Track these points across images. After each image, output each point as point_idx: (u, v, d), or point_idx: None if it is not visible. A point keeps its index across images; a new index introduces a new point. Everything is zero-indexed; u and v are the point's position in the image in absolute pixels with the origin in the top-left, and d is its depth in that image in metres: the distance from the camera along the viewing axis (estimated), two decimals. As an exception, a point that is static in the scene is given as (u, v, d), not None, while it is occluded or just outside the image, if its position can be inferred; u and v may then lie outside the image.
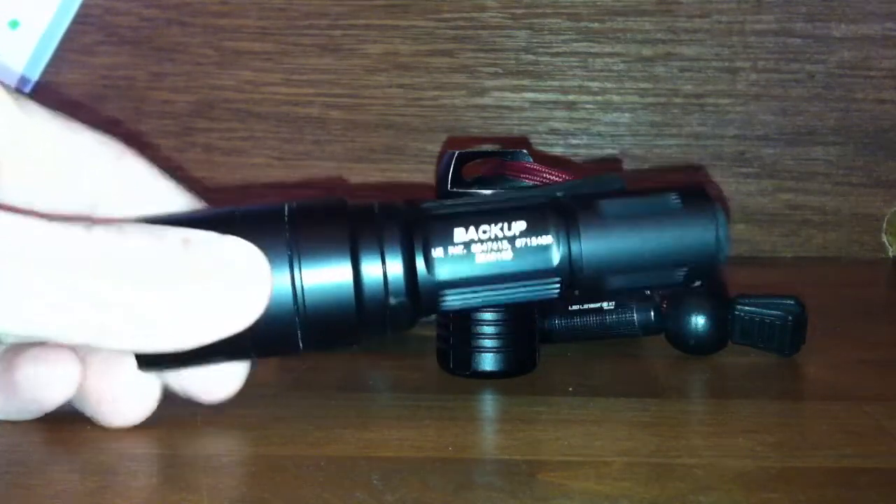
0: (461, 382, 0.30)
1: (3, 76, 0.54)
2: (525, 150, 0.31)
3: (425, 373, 0.31)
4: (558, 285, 0.26)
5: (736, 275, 0.37)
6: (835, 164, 0.56)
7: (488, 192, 0.29)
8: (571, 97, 0.57)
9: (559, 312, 0.33)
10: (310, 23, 0.57)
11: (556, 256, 0.26)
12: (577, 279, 0.26)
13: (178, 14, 0.57)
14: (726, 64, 0.56)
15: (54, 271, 0.22)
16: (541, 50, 0.56)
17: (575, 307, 0.33)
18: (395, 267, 0.25)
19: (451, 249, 0.25)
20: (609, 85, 0.56)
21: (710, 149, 0.56)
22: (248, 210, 0.25)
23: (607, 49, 0.56)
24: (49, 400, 0.25)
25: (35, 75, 0.56)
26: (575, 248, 0.26)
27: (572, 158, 0.56)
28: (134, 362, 0.25)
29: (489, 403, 0.29)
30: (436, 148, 0.57)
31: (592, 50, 0.56)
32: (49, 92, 0.56)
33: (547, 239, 0.26)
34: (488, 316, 0.29)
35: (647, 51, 0.56)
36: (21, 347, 0.25)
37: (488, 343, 0.29)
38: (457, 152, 0.30)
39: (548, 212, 0.26)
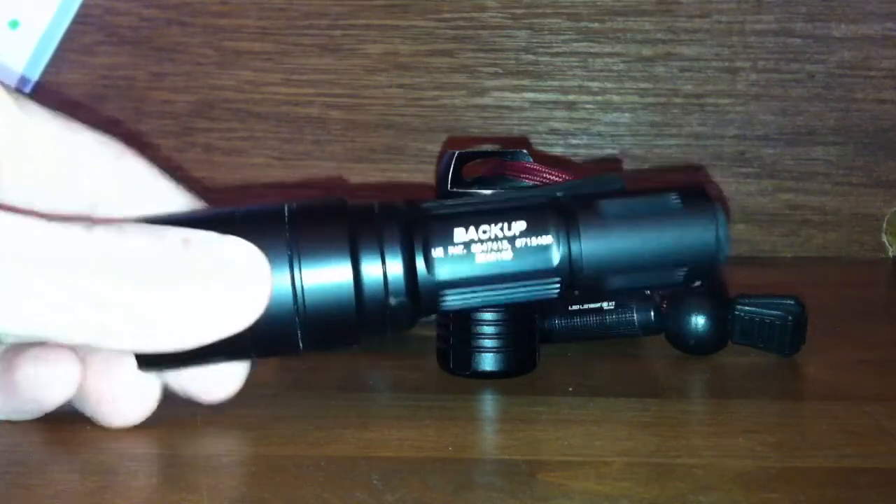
0: (461, 382, 0.30)
1: (3, 76, 0.54)
2: (525, 150, 0.31)
3: (425, 373, 0.31)
4: (558, 285, 0.26)
5: (736, 275, 0.37)
6: (835, 164, 0.56)
7: (488, 192, 0.29)
8: (571, 97, 0.57)
9: (559, 312, 0.33)
10: (310, 23, 0.57)
11: (556, 256, 0.26)
12: (577, 279, 0.26)
13: (178, 14, 0.57)
14: (726, 64, 0.56)
15: (54, 271, 0.22)
16: (541, 50, 0.56)
17: (575, 307, 0.33)
18: (395, 267, 0.25)
19: (451, 249, 0.25)
20: (609, 85, 0.56)
21: (710, 149, 0.56)
22: (247, 210, 0.25)
23: (607, 49, 0.56)
24: (49, 400, 0.25)
25: (35, 75, 0.56)
26: (575, 248, 0.26)
27: (572, 158, 0.56)
28: (134, 362, 0.25)
29: (489, 403, 0.29)
30: (436, 148, 0.57)
31: (592, 50, 0.56)
32: (49, 92, 0.56)
33: (547, 239, 0.26)
34: (488, 316, 0.29)
35: (647, 51, 0.56)
36: (21, 347, 0.25)
37: (488, 343, 0.29)
38: (457, 152, 0.30)
39: (548, 212, 0.26)
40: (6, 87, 0.24)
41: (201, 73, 0.57)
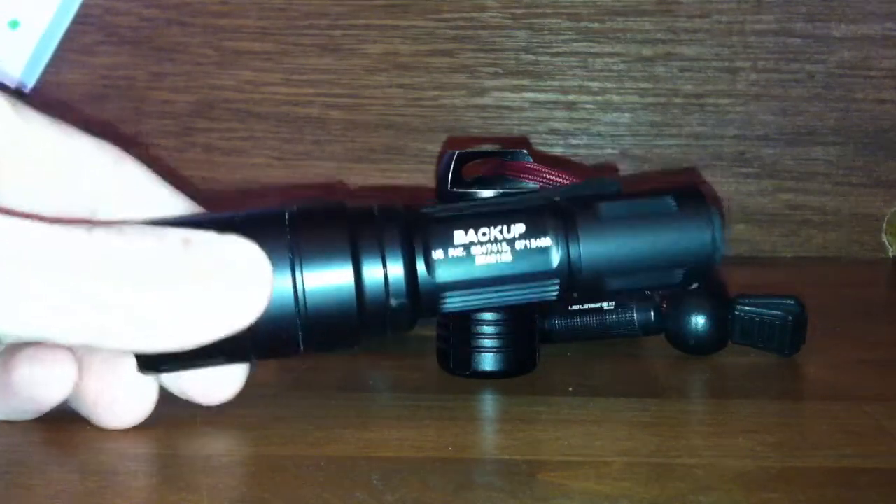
0: (461, 382, 0.30)
1: (2, 77, 0.54)
2: (525, 150, 0.31)
3: (425, 373, 0.31)
4: (557, 287, 0.26)
5: (736, 275, 0.37)
6: (835, 164, 0.56)
7: (488, 192, 0.29)
8: (571, 97, 0.57)
9: (559, 312, 0.33)
10: (310, 23, 0.57)
11: (555, 258, 0.26)
12: (575, 281, 0.26)
13: (178, 14, 0.57)
14: (726, 64, 0.56)
15: (55, 272, 0.22)
16: (541, 50, 0.56)
17: (575, 307, 0.33)
18: (396, 269, 0.25)
19: (450, 252, 0.25)
20: (609, 85, 0.56)
21: (710, 149, 0.56)
22: (248, 214, 0.25)
23: (607, 49, 0.56)
24: (46, 400, 0.25)
25: (35, 75, 0.56)
26: (574, 250, 0.26)
27: (572, 158, 0.56)
28: (133, 365, 0.25)
29: (489, 403, 0.29)
30: (436, 148, 0.57)
31: (592, 50, 0.56)
32: (49, 92, 0.56)
33: (546, 241, 0.26)
34: (488, 316, 0.29)
35: (647, 51, 0.56)
36: (17, 348, 0.25)
37: (488, 343, 0.29)
38: (457, 152, 0.30)
39: (546, 214, 0.26)
40: (3, 92, 0.24)
41: (201, 73, 0.57)
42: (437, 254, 0.25)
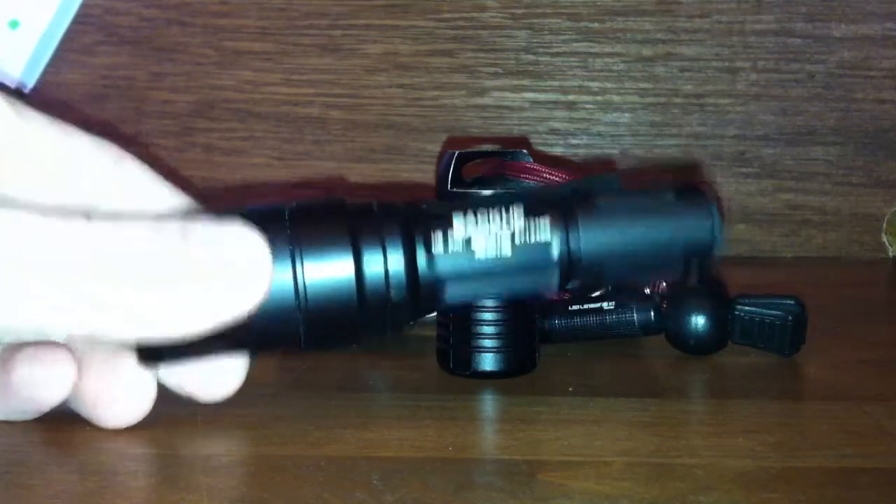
0: (461, 382, 0.30)
1: (3, 77, 0.54)
2: (525, 150, 0.31)
3: (425, 373, 0.31)
4: (557, 278, 0.26)
5: (736, 275, 0.37)
6: (835, 164, 0.56)
7: (488, 192, 0.29)
8: (571, 97, 0.56)
9: (559, 312, 0.33)
10: (310, 23, 0.57)
11: (554, 250, 0.26)
12: (575, 271, 0.26)
13: (178, 14, 0.57)
14: (726, 64, 0.56)
15: (54, 271, 0.22)
16: (541, 50, 0.56)
17: (575, 307, 0.33)
18: (397, 262, 0.25)
19: (451, 245, 0.25)
20: (609, 85, 0.56)
21: (710, 149, 0.56)
22: (248, 210, 0.25)
23: (607, 49, 0.56)
24: (45, 400, 0.25)
25: (35, 75, 0.56)
26: (573, 241, 0.26)
27: (572, 158, 0.56)
28: (134, 357, 0.25)
29: (489, 403, 0.29)
30: (436, 148, 0.57)
31: (592, 50, 0.56)
32: (49, 92, 0.56)
33: (545, 233, 0.26)
34: (488, 316, 0.29)
35: (647, 51, 0.56)
36: (17, 348, 0.25)
37: (488, 343, 0.29)
38: (457, 152, 0.30)
39: (546, 207, 0.26)
40: (3, 92, 0.24)
41: (201, 73, 0.57)
42: (438, 247, 0.25)
